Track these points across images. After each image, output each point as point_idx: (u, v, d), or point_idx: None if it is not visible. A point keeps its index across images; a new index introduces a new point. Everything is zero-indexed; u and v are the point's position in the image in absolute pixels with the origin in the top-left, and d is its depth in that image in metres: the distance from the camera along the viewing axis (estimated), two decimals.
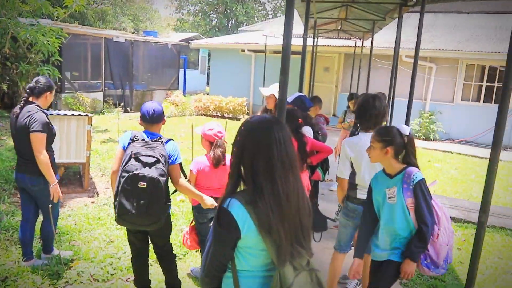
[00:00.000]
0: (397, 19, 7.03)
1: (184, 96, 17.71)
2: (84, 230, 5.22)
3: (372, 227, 3.09)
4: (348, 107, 7.32)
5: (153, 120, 3.41)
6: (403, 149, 2.88)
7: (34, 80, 4.02)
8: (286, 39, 2.58)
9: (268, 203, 1.66)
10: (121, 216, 3.19)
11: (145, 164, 3.15)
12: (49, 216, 4.13)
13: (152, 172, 3.13)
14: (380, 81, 12.98)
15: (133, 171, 3.10)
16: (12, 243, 4.65)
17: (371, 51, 9.81)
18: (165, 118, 3.56)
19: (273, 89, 5.01)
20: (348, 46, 14.01)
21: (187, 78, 21.99)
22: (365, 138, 3.35)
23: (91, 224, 5.39)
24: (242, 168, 1.76)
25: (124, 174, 3.13)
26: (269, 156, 1.69)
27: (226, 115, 15.28)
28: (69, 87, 13.35)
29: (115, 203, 3.21)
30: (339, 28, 10.37)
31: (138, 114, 13.50)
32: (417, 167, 2.90)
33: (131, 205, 3.13)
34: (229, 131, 11.12)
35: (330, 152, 4.33)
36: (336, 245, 3.79)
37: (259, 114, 5.15)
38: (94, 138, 10.25)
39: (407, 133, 2.88)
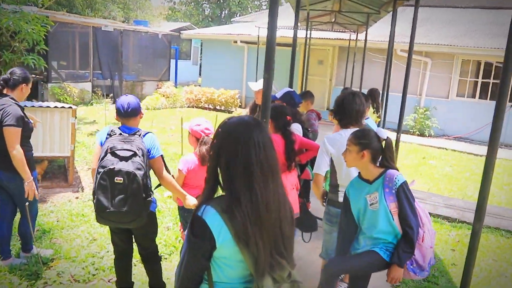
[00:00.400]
0: (391, 12, 6.85)
1: (176, 87, 17.45)
2: (67, 227, 5.05)
3: (351, 238, 3.01)
4: None
5: (128, 114, 3.26)
6: (381, 154, 2.82)
7: (9, 71, 3.86)
8: (271, 31, 2.40)
9: (245, 212, 1.57)
10: (100, 214, 3.08)
11: (121, 158, 3.04)
12: (26, 214, 3.95)
13: (129, 166, 3.02)
14: (375, 75, 12.81)
15: (108, 166, 2.99)
16: None
17: (365, 44, 9.65)
18: (142, 111, 3.41)
19: (262, 84, 4.80)
20: (343, 39, 13.82)
21: (179, 69, 21.73)
22: (347, 134, 3.22)
23: (74, 221, 5.22)
24: (219, 173, 1.66)
25: (100, 169, 3.02)
26: (247, 161, 1.59)
27: (218, 107, 15.05)
28: (56, 77, 13.06)
29: (94, 200, 3.09)
30: (333, 20, 10.19)
31: None
32: (396, 169, 2.82)
33: (108, 202, 3.03)
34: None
35: None
36: (323, 253, 3.65)
37: (248, 109, 4.96)
38: (81, 130, 10.00)
39: (385, 137, 2.80)
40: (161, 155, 3.34)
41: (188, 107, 15.34)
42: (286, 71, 12.80)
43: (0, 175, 3.84)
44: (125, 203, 3.03)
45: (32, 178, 3.80)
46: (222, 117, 11.69)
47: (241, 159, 1.59)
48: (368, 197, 2.82)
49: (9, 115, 3.63)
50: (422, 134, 13.37)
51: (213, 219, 1.58)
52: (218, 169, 1.66)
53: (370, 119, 5.00)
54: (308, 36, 10.63)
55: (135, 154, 3.06)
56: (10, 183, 3.86)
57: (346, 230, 3.03)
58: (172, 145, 9.13)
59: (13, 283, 3.76)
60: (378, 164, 2.84)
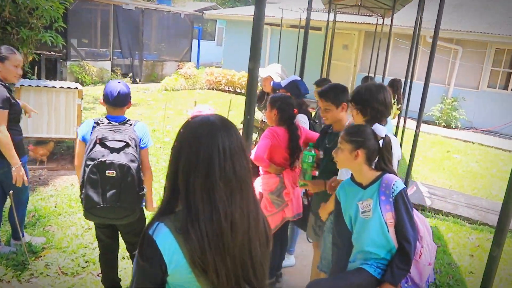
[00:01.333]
0: None
1: (197, 68, 17.18)
2: (64, 213, 4.89)
3: (347, 249, 2.60)
4: None
5: (116, 103, 3.00)
6: (377, 154, 2.46)
7: None
8: (258, 10, 2.07)
9: (203, 232, 1.30)
10: (89, 210, 2.88)
11: (113, 150, 2.83)
12: (15, 201, 3.77)
13: (121, 158, 2.82)
14: (402, 63, 12.24)
15: (99, 158, 2.78)
16: None
17: (390, 30, 9.13)
18: (131, 101, 3.16)
19: (271, 70, 4.47)
20: (369, 23, 13.23)
21: (203, 50, 21.42)
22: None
23: (73, 207, 5.07)
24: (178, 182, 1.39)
25: (89, 162, 2.80)
26: (208, 170, 1.33)
27: (238, 90, 14.74)
28: (76, 55, 12.98)
29: (81, 195, 2.89)
30: (359, 3, 9.66)
31: (148, 86, 13.30)
32: (395, 174, 2.45)
33: (99, 197, 2.83)
34: (237, 108, 10.62)
35: None
36: (320, 265, 3.20)
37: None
38: (96, 110, 9.87)
39: (383, 135, 2.44)
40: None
41: (208, 89, 15.08)
42: (316, 56, 12.44)
43: None
44: (118, 198, 2.84)
45: (20, 163, 3.60)
46: (240, 100, 11.49)
47: (202, 168, 1.33)
48: (360, 203, 2.45)
49: None
50: (448, 126, 12.77)
51: (164, 240, 1.33)
52: (177, 178, 1.39)
53: (389, 119, 4.62)
54: (330, 19, 10.15)
55: (127, 145, 2.87)
56: None
57: (340, 240, 2.67)
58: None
59: None
60: (373, 167, 2.48)
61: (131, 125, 3.01)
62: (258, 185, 3.73)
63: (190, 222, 1.31)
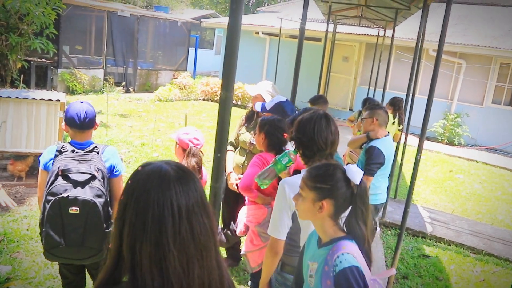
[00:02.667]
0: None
1: (194, 78, 16.83)
2: (36, 237, 4.53)
3: None
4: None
5: (84, 126, 2.76)
6: (347, 207, 1.89)
7: None
8: (234, 17, 1.71)
9: None
10: (50, 251, 2.61)
11: (76, 183, 2.55)
12: None
13: (86, 193, 2.55)
14: (404, 76, 11.89)
15: (60, 193, 2.51)
16: None
17: (392, 42, 8.80)
18: (97, 122, 2.88)
19: (261, 88, 4.10)
20: (370, 35, 12.93)
21: (200, 59, 21.10)
22: None
23: None
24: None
25: (49, 197, 2.52)
26: (159, 236, 1.09)
27: (234, 102, 14.37)
28: (67, 63, 12.64)
29: (41, 233, 2.61)
30: (360, 15, 9.37)
31: (141, 95, 12.91)
32: (366, 240, 1.86)
33: (61, 237, 2.56)
34: (232, 121, 10.38)
35: None
36: None
37: (243, 118, 4.25)
38: None
39: (357, 181, 1.86)
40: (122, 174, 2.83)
41: (203, 100, 14.70)
42: (313, 68, 12.13)
43: None
44: (82, 238, 2.58)
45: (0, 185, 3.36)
46: (236, 112, 11.14)
47: (151, 232, 1.09)
48: (310, 263, 1.95)
49: None
50: (451, 143, 12.38)
51: None
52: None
53: (389, 137, 4.27)
54: (331, 30, 9.85)
55: (93, 177, 2.60)
56: None
57: None
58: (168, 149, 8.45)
59: None
60: (342, 224, 1.91)
61: (98, 153, 2.73)
62: (244, 216, 3.43)
63: None
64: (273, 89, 4.14)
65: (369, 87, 11.69)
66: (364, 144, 4.25)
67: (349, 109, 13.98)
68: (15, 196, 5.48)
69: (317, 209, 1.86)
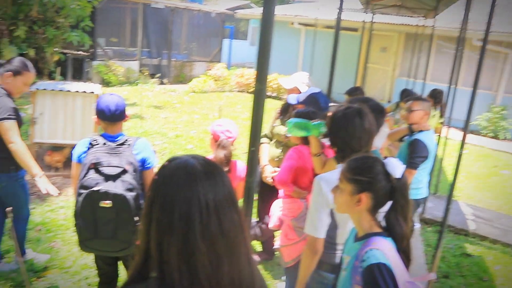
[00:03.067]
0: None
1: (228, 69, 16.80)
2: (72, 227, 4.49)
3: None
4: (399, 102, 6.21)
5: (115, 117, 2.75)
6: (387, 201, 1.80)
7: (12, 58, 3.57)
8: (268, 6, 1.60)
9: None
10: (83, 242, 2.66)
11: (108, 177, 2.55)
12: (14, 217, 3.50)
13: (117, 187, 2.55)
14: (445, 67, 11.46)
15: (92, 187, 2.52)
16: None
17: (432, 32, 8.46)
18: (127, 114, 2.88)
19: (297, 80, 3.96)
20: (410, 24, 12.50)
21: (235, 50, 21.04)
22: None
23: None
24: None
25: (81, 190, 2.55)
26: (187, 232, 1.07)
27: (269, 93, 14.25)
28: (103, 55, 12.87)
29: (75, 225, 2.65)
30: (399, 3, 9.06)
31: (175, 87, 12.99)
32: (405, 237, 1.78)
33: (93, 230, 2.59)
34: (267, 112, 10.35)
35: None
36: None
37: (278, 111, 4.12)
38: None
39: (397, 176, 1.78)
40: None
41: (238, 91, 14.65)
42: (350, 59, 11.86)
43: None
44: (113, 232, 2.61)
45: (41, 172, 3.41)
46: (271, 104, 11.04)
47: (178, 228, 1.08)
48: (344, 257, 1.91)
49: (0, 107, 3.31)
50: (496, 137, 11.88)
51: None
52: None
53: (431, 131, 4.07)
54: (369, 20, 9.57)
55: (124, 171, 2.59)
56: None
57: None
58: (202, 141, 8.40)
59: None
60: (383, 218, 1.85)
61: (129, 145, 2.71)
62: (278, 209, 3.38)
63: None
64: (309, 81, 4.01)
65: (408, 79, 11.34)
66: (406, 137, 4.09)
67: (388, 101, 13.64)
68: None
69: (354, 202, 1.81)
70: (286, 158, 3.21)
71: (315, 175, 3.18)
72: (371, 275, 1.65)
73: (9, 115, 3.31)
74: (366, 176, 1.79)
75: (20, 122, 3.50)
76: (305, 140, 3.18)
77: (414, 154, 3.86)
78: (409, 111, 4.04)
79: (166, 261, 1.09)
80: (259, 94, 1.68)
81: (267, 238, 4.20)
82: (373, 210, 1.81)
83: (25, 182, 3.64)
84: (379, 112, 2.82)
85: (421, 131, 3.98)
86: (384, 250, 1.70)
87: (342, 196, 1.86)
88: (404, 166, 1.83)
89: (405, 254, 1.78)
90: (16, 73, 3.45)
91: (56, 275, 3.75)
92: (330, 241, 2.37)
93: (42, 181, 3.37)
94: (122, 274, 3.22)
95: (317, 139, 2.78)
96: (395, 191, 1.77)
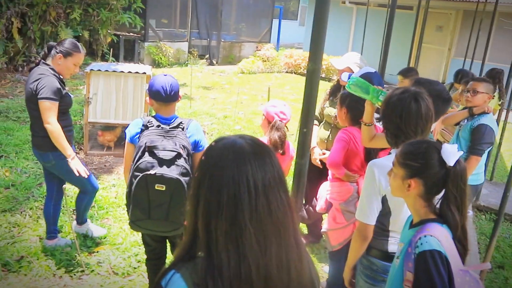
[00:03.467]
0: None
1: (277, 50, 16.66)
2: (123, 205, 4.69)
3: None
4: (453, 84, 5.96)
5: (169, 98, 2.76)
6: (441, 188, 1.76)
7: (62, 40, 3.64)
8: None
9: None
10: (135, 223, 2.72)
11: (162, 161, 2.57)
12: (83, 189, 3.83)
13: (172, 171, 2.57)
14: (507, 47, 10.86)
15: (148, 170, 2.54)
16: None
17: (495, 9, 7.97)
18: (180, 95, 2.88)
19: (349, 61, 3.85)
20: (469, 1, 11.90)
21: (284, 30, 20.80)
22: None
23: None
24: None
25: (136, 173, 2.58)
26: (235, 212, 1.07)
27: None
28: (154, 36, 13.03)
29: (127, 204, 2.72)
30: None
31: (224, 68, 12.98)
32: (456, 225, 1.73)
33: (146, 211, 2.64)
34: (318, 94, 10.36)
35: None
36: None
37: (327, 92, 4.05)
38: None
39: (451, 164, 1.71)
40: None
41: (286, 72, 14.53)
42: (403, 39, 11.43)
43: (36, 154, 3.65)
44: (166, 214, 2.65)
45: (74, 154, 3.51)
46: (322, 85, 10.76)
47: (226, 208, 1.07)
48: (399, 245, 1.89)
49: (44, 87, 3.34)
50: None
51: None
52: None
53: (491, 115, 3.86)
54: None
55: (179, 155, 2.60)
56: (45, 162, 3.62)
57: None
58: (250, 122, 8.39)
59: (50, 268, 3.57)
60: (437, 205, 1.80)
61: (182, 129, 2.73)
62: (326, 192, 3.35)
63: (211, 276, 1.06)
64: (361, 61, 3.89)
65: (465, 59, 10.78)
66: (467, 121, 3.88)
67: (442, 82, 13.11)
68: (104, 165, 5.76)
69: (405, 187, 1.79)
70: (337, 139, 3.16)
71: (366, 157, 3.12)
72: (424, 261, 1.63)
73: (50, 95, 3.35)
74: (417, 161, 1.77)
75: (67, 103, 3.58)
76: (355, 122, 3.12)
77: (482, 140, 3.67)
78: (473, 93, 3.79)
79: (214, 241, 1.09)
80: (313, 74, 1.64)
81: (314, 221, 4.18)
82: (427, 196, 1.78)
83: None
84: (442, 99, 2.70)
85: (482, 114, 3.78)
86: (438, 237, 1.67)
87: (395, 180, 1.86)
88: (461, 153, 1.76)
89: (460, 243, 1.76)
90: (67, 54, 3.50)
91: (107, 251, 3.87)
92: (382, 228, 2.33)
93: (73, 163, 3.46)
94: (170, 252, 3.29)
95: (373, 107, 2.67)
96: (449, 179, 1.72)
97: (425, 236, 1.68)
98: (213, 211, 1.09)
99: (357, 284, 2.50)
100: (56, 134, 3.37)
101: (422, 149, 1.79)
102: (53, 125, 3.36)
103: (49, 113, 3.36)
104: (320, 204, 3.44)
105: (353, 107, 3.09)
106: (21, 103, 7.37)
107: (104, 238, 4.05)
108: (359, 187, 3.12)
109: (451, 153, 1.72)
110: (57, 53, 3.49)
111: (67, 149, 3.43)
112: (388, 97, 2.30)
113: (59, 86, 3.43)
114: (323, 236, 4.37)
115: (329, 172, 3.39)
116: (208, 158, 1.14)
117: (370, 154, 3.09)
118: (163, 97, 2.72)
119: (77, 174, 3.47)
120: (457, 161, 1.72)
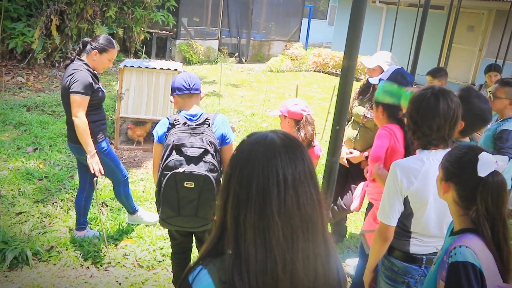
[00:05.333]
0: None
1: (306, 49, 16.61)
2: (151, 199, 4.82)
3: None
4: (485, 81, 5.82)
5: (191, 89, 2.78)
6: (473, 198, 1.67)
7: (95, 36, 3.72)
8: None
9: (253, 286, 1.05)
10: (166, 220, 2.77)
11: (191, 158, 2.60)
12: (113, 182, 3.99)
13: (200, 168, 2.59)
14: None
15: (176, 169, 2.58)
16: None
17: None
18: (202, 93, 2.93)
19: (380, 59, 3.81)
20: (503, 0, 11.58)
21: (313, 29, 20.70)
22: (431, 159, 2.16)
23: None
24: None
25: (165, 172, 2.61)
26: (264, 206, 1.07)
27: None
28: (185, 34, 13.18)
29: (157, 202, 2.77)
30: None
31: (253, 66, 12.94)
32: (487, 240, 1.64)
33: (176, 208, 2.68)
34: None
35: None
36: None
37: (356, 91, 4.02)
38: None
39: (482, 174, 1.63)
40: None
41: (314, 71, 14.48)
42: (433, 39, 11.22)
43: (71, 147, 3.74)
44: (196, 210, 2.68)
45: (94, 151, 3.56)
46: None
47: (255, 201, 1.07)
48: (439, 251, 1.86)
49: (76, 81, 3.42)
50: None
51: None
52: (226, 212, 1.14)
53: None
54: None
55: (206, 152, 2.62)
56: (79, 155, 3.70)
57: None
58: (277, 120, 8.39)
59: (78, 258, 3.66)
60: (472, 213, 1.71)
61: (208, 125, 2.74)
62: (362, 192, 3.33)
63: (238, 271, 1.06)
64: (392, 60, 3.85)
65: (496, 59, 10.52)
66: (490, 126, 3.77)
67: (471, 83, 12.82)
68: (134, 160, 5.88)
69: (441, 189, 1.78)
70: (378, 136, 3.07)
71: (408, 154, 3.03)
72: (455, 273, 1.59)
73: (81, 90, 3.41)
74: (452, 165, 1.74)
75: (100, 97, 3.65)
76: (393, 120, 3.05)
77: (506, 144, 3.53)
78: (493, 97, 3.66)
79: (242, 235, 1.09)
80: (348, 71, 1.67)
81: (338, 220, 4.17)
82: (462, 203, 1.72)
83: (109, 151, 3.82)
84: (482, 120, 2.61)
85: (506, 119, 3.64)
86: (474, 249, 1.61)
87: (437, 181, 1.85)
88: (503, 164, 1.68)
89: (500, 258, 1.67)
90: (102, 50, 3.58)
91: (133, 244, 3.94)
92: (404, 229, 2.30)
93: (91, 160, 3.53)
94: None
95: None
96: (478, 190, 1.66)
97: (460, 247, 1.62)
98: (242, 203, 1.09)
99: (378, 285, 2.49)
100: (81, 129, 3.44)
101: (461, 154, 1.74)
102: (80, 119, 3.43)
103: (78, 107, 3.42)
104: (355, 204, 3.40)
105: (389, 104, 3.00)
106: (56, 98, 7.59)
107: (130, 232, 4.12)
108: None
109: (486, 163, 1.64)
110: (93, 49, 3.57)
111: (89, 145, 3.50)
112: (413, 94, 2.29)
113: (91, 81, 3.50)
114: (346, 235, 4.38)
115: (363, 173, 3.39)
116: (239, 152, 1.15)
117: (410, 152, 3.01)
118: (185, 88, 2.75)
119: (92, 172, 3.54)
120: (492, 173, 1.64)
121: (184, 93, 2.76)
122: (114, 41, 3.73)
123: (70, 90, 3.41)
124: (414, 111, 2.19)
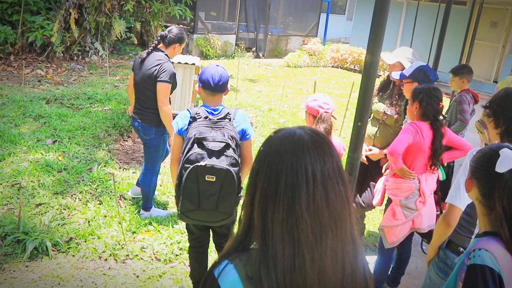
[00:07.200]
0: None
1: (324, 44, 16.49)
2: (168, 193, 4.94)
3: None
4: None
5: (217, 89, 2.81)
6: (491, 195, 1.62)
7: (168, 29, 4.02)
8: None
9: (280, 285, 1.04)
10: (185, 214, 2.76)
11: (212, 152, 2.60)
12: (147, 170, 4.20)
13: (222, 162, 2.60)
14: None
15: (198, 162, 2.57)
16: (93, 197, 4.45)
17: None
18: (228, 87, 2.92)
19: (400, 55, 3.76)
20: None
21: (331, 25, 20.56)
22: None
23: None
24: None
25: (187, 165, 2.61)
26: (292, 202, 1.05)
27: None
28: (202, 28, 13.18)
29: (176, 196, 2.77)
30: None
31: (270, 61, 12.92)
32: (506, 243, 1.57)
33: (196, 202, 2.68)
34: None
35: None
36: None
37: (377, 87, 3.97)
38: None
39: (500, 170, 1.58)
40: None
41: (332, 66, 14.37)
42: (455, 35, 11.02)
43: (140, 125, 4.00)
44: (216, 204, 2.68)
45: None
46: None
47: (283, 198, 1.06)
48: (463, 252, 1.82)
49: (165, 71, 3.76)
50: None
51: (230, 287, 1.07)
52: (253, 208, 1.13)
53: None
54: None
55: (228, 146, 2.63)
56: (146, 135, 4.01)
57: None
58: (294, 115, 8.37)
59: (97, 250, 3.69)
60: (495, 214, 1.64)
61: (230, 119, 2.75)
62: (383, 186, 3.31)
63: (265, 267, 1.05)
64: (413, 56, 3.79)
65: None
66: None
67: (493, 81, 12.59)
68: None
69: (467, 185, 1.74)
70: (403, 130, 3.07)
71: (431, 153, 3.02)
72: (472, 275, 1.55)
73: (168, 79, 3.78)
74: (476, 163, 1.71)
75: (175, 86, 3.98)
76: (425, 118, 3.04)
77: None
78: None
79: (269, 231, 1.07)
80: (370, 66, 1.63)
81: (356, 217, 4.14)
82: (484, 201, 1.67)
83: (166, 140, 4.16)
84: None
85: None
86: (495, 253, 1.55)
87: (466, 176, 1.80)
88: None
89: None
90: (182, 41, 3.97)
91: (151, 237, 3.96)
92: (468, 220, 2.26)
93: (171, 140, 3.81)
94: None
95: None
96: (495, 187, 1.60)
97: (479, 250, 1.57)
98: (270, 199, 1.08)
99: (428, 272, 2.46)
100: (167, 116, 3.83)
101: (486, 151, 1.70)
102: (167, 107, 3.85)
103: (166, 94, 3.82)
104: (377, 198, 3.41)
105: (427, 102, 3.01)
106: (75, 91, 7.64)
107: (150, 224, 4.14)
108: (420, 184, 3.06)
109: (506, 159, 1.59)
110: (175, 41, 3.91)
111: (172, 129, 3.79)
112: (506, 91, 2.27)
113: (174, 72, 3.88)
114: (364, 232, 4.33)
115: (384, 168, 3.36)
116: (266, 147, 1.13)
117: (436, 152, 3.03)
118: (211, 86, 2.77)
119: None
120: (507, 172, 1.58)
121: (209, 89, 2.79)
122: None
123: (159, 79, 3.76)
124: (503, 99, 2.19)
